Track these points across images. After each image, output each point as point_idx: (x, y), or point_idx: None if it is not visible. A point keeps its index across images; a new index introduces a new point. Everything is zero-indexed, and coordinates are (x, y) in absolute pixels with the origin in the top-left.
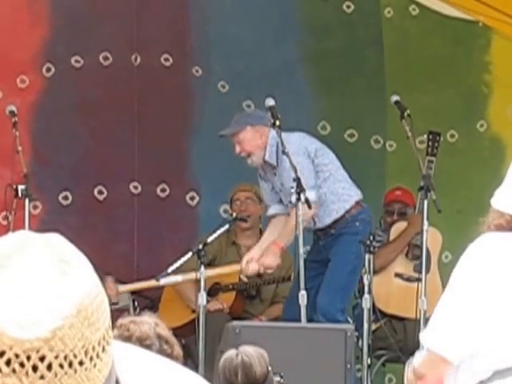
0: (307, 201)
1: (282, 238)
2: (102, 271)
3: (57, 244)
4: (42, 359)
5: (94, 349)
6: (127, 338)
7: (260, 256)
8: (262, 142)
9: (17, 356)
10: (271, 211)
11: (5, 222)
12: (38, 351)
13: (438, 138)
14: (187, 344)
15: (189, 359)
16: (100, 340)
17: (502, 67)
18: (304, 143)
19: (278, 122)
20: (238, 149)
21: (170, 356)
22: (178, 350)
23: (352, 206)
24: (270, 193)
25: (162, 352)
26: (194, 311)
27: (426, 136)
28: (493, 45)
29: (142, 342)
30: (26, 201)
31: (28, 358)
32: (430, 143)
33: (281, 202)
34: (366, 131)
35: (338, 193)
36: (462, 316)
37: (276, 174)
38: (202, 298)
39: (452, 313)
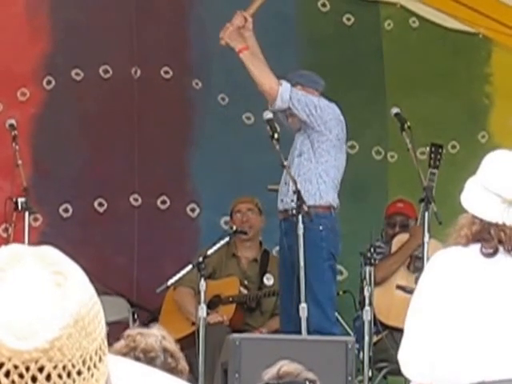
0: (308, 213)
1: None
2: (101, 283)
3: (50, 256)
4: (40, 370)
5: (91, 358)
6: (132, 349)
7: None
8: None
9: (16, 367)
10: None
11: (5, 235)
12: (36, 362)
13: (440, 150)
14: (187, 357)
15: (189, 372)
16: (97, 350)
17: (502, 78)
18: (337, 119)
19: (276, 135)
20: None
21: (175, 369)
22: (183, 364)
23: (322, 204)
24: None
25: (165, 365)
26: (193, 324)
27: (427, 147)
28: (493, 56)
29: (147, 353)
30: (26, 214)
31: (27, 368)
32: (433, 155)
33: None
34: (367, 142)
35: (318, 179)
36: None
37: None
38: (202, 310)
39: (413, 335)
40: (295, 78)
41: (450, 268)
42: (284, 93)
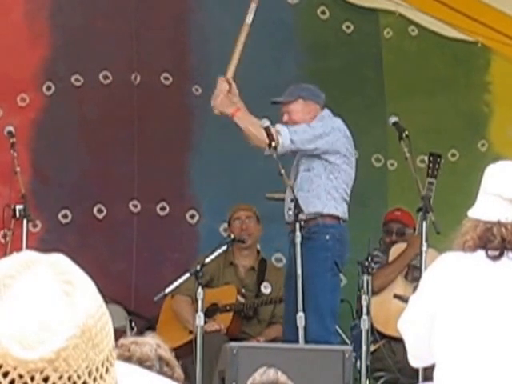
0: (306, 222)
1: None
2: (99, 290)
3: (61, 265)
4: (45, 380)
5: (97, 370)
6: (128, 359)
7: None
8: (309, 117)
9: (21, 377)
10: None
11: (3, 241)
12: (41, 372)
13: (438, 159)
14: (184, 365)
15: (186, 380)
16: (104, 361)
17: (501, 87)
18: (344, 136)
19: (273, 144)
20: (285, 117)
21: (171, 378)
22: (178, 373)
23: (329, 214)
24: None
25: (162, 374)
26: (191, 332)
27: (426, 156)
28: (492, 65)
29: (142, 363)
30: (24, 221)
31: (32, 378)
32: (431, 165)
33: None
34: (366, 150)
35: (327, 196)
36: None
37: None
38: (200, 318)
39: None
40: (297, 91)
41: (455, 270)
42: (285, 141)
